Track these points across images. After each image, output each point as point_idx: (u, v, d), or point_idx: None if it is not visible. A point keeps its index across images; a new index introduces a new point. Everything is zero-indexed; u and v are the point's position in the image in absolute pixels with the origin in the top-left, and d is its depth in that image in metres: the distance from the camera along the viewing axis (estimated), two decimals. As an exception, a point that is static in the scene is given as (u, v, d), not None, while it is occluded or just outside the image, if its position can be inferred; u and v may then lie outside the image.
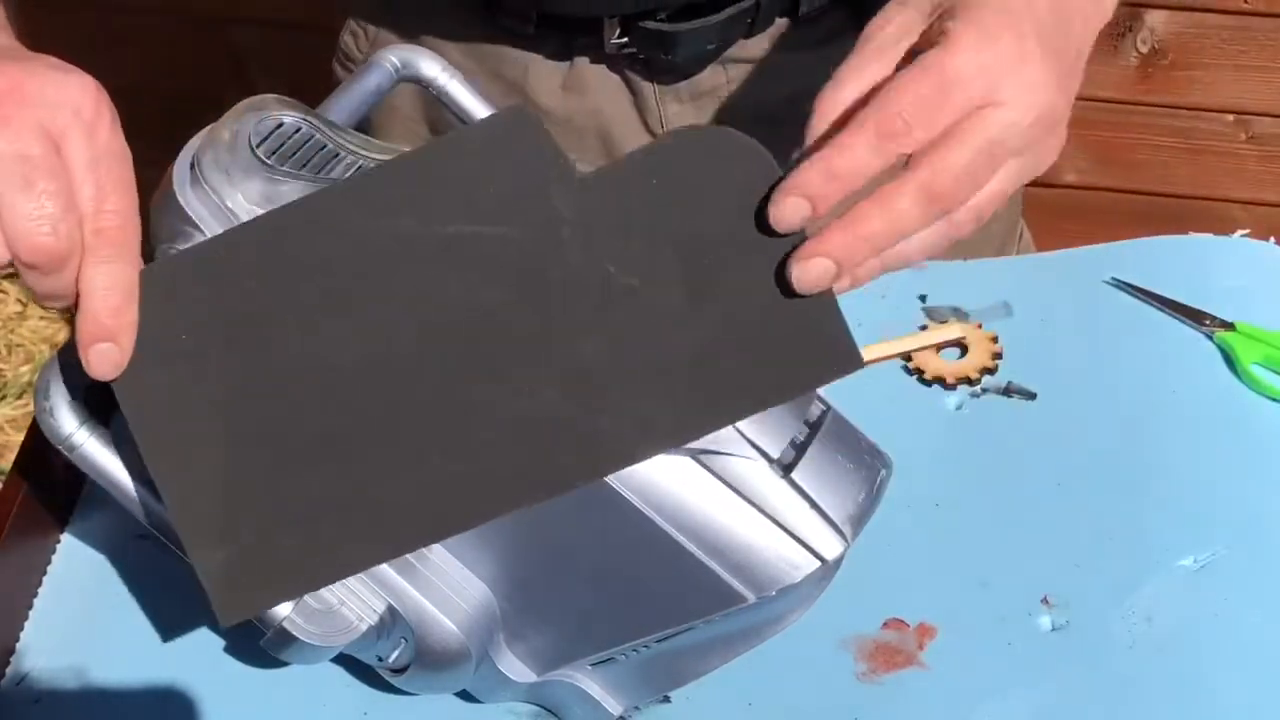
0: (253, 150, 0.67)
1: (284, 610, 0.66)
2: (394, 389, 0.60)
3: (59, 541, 0.81)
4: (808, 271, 0.57)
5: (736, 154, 0.58)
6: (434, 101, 0.95)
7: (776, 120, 0.96)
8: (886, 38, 0.60)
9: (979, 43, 0.57)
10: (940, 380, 0.87)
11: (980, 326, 0.89)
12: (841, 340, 0.59)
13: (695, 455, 0.62)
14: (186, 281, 0.61)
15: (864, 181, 0.57)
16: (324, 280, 0.60)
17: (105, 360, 0.59)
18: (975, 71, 0.57)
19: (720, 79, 0.94)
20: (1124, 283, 0.91)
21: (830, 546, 0.63)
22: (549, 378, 0.59)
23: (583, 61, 0.93)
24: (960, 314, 0.90)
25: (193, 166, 0.68)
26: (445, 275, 0.60)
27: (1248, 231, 0.95)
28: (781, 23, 0.92)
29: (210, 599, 0.60)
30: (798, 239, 0.58)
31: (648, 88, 0.94)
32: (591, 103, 0.94)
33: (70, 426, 0.64)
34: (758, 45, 0.93)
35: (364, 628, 0.66)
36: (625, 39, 0.90)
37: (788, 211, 0.57)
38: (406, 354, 0.60)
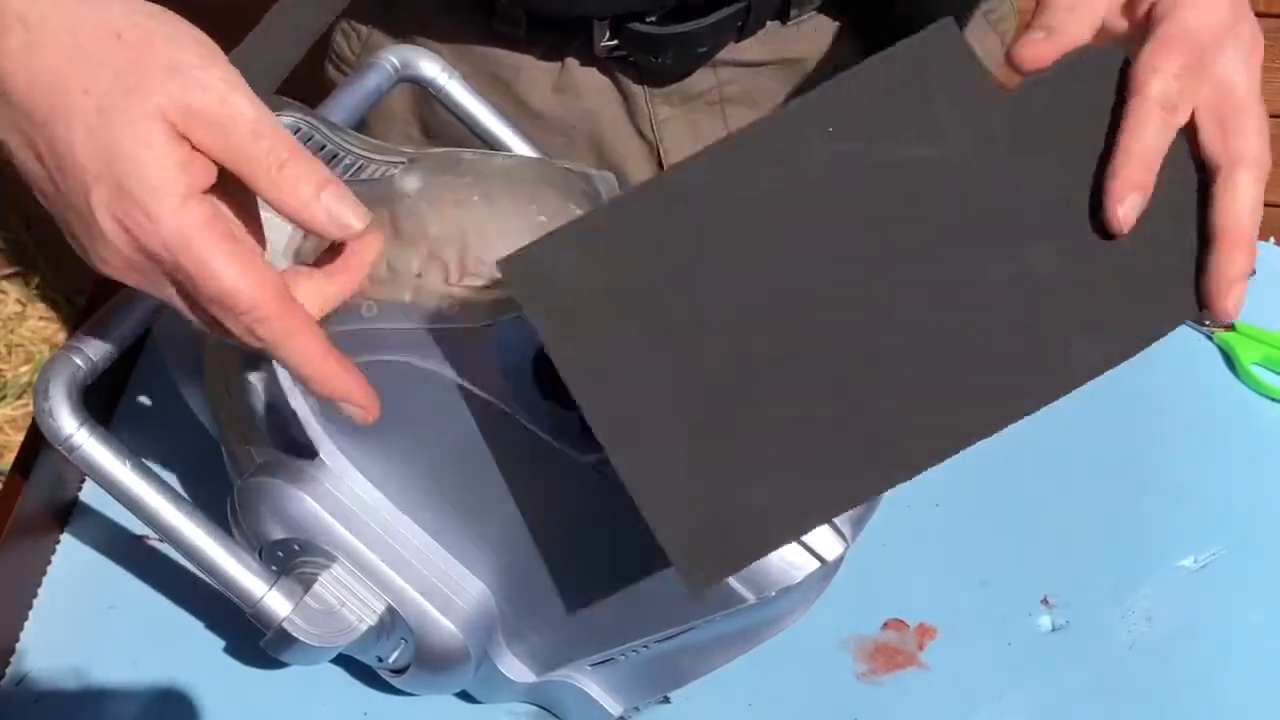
0: (252, 150, 0.67)
1: (284, 610, 0.66)
2: (847, 323, 0.58)
3: (59, 541, 0.81)
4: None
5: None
6: (426, 102, 0.95)
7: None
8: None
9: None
10: (940, 380, 0.87)
11: (980, 326, 0.89)
12: None
13: (695, 455, 0.62)
14: (619, 230, 0.59)
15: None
16: (765, 216, 0.59)
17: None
18: (1210, 34, 0.60)
19: (710, 82, 0.94)
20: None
21: (830, 547, 0.63)
22: (1004, 296, 0.59)
23: (573, 64, 0.93)
24: (960, 314, 0.90)
25: (193, 167, 0.68)
26: (885, 200, 0.59)
27: (1248, 231, 0.95)
28: (771, 26, 0.92)
29: (677, 568, 0.56)
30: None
31: (638, 91, 0.94)
32: (582, 106, 0.94)
33: (70, 427, 0.64)
34: (748, 49, 0.93)
35: (364, 628, 0.66)
36: (615, 41, 0.90)
37: (1132, 212, 0.59)
38: (858, 288, 0.59)
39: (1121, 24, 0.63)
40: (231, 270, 0.54)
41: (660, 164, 0.96)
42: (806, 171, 0.59)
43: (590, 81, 0.93)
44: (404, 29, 0.95)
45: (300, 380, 0.58)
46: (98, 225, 0.54)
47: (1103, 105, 0.61)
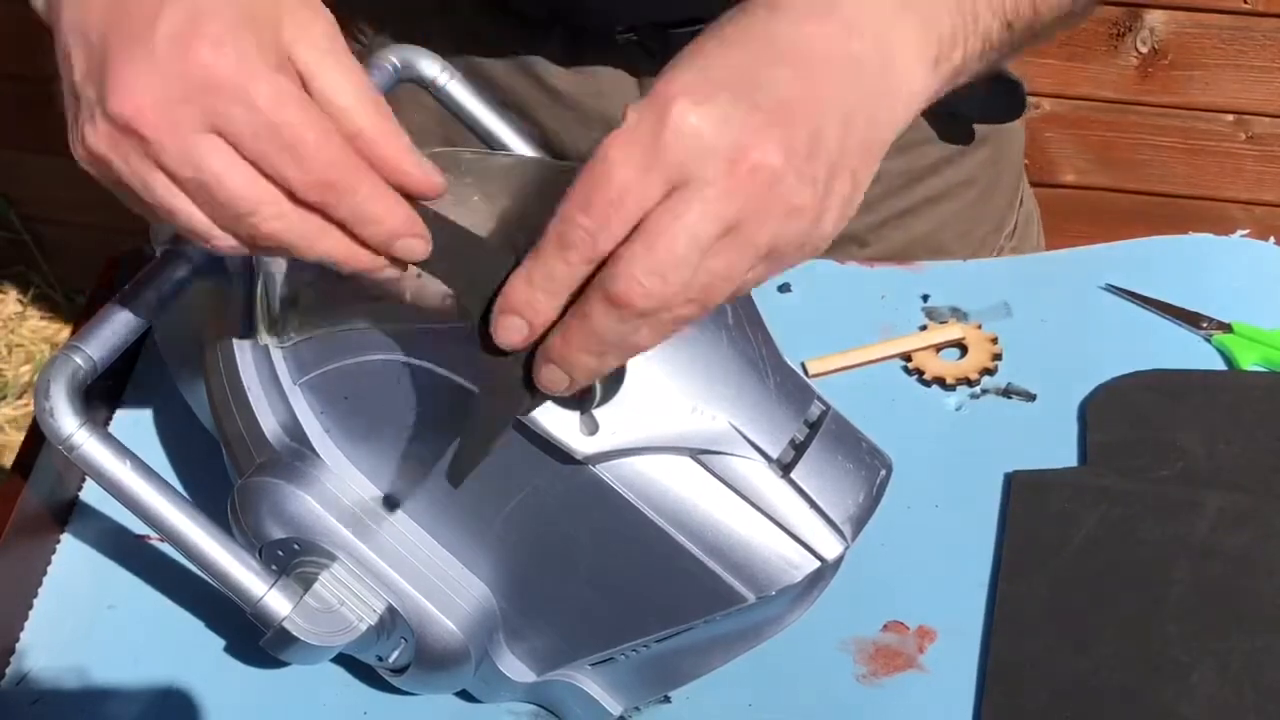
0: (253, 150, 0.67)
1: (284, 610, 0.66)
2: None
3: (59, 541, 0.81)
4: (541, 377, 0.55)
5: None
6: (452, 121, 0.95)
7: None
8: None
9: (640, 123, 0.52)
10: (940, 381, 0.87)
11: (980, 327, 0.89)
12: None
13: (695, 455, 0.62)
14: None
15: (572, 290, 0.53)
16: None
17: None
18: (637, 164, 0.51)
19: None
20: (1120, 289, 0.91)
21: (830, 546, 0.63)
22: None
23: (590, 48, 0.94)
24: (960, 314, 0.90)
25: (193, 167, 0.68)
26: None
27: (1247, 231, 0.95)
28: None
29: None
30: None
31: (652, 72, 0.95)
32: (597, 87, 0.95)
33: (70, 426, 0.64)
34: None
35: (364, 628, 0.66)
36: (630, 33, 0.91)
37: (507, 333, 0.54)
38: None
39: None
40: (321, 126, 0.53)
41: None
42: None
43: (605, 63, 0.94)
44: (419, 13, 0.96)
45: (366, 233, 0.55)
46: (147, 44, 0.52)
47: None
